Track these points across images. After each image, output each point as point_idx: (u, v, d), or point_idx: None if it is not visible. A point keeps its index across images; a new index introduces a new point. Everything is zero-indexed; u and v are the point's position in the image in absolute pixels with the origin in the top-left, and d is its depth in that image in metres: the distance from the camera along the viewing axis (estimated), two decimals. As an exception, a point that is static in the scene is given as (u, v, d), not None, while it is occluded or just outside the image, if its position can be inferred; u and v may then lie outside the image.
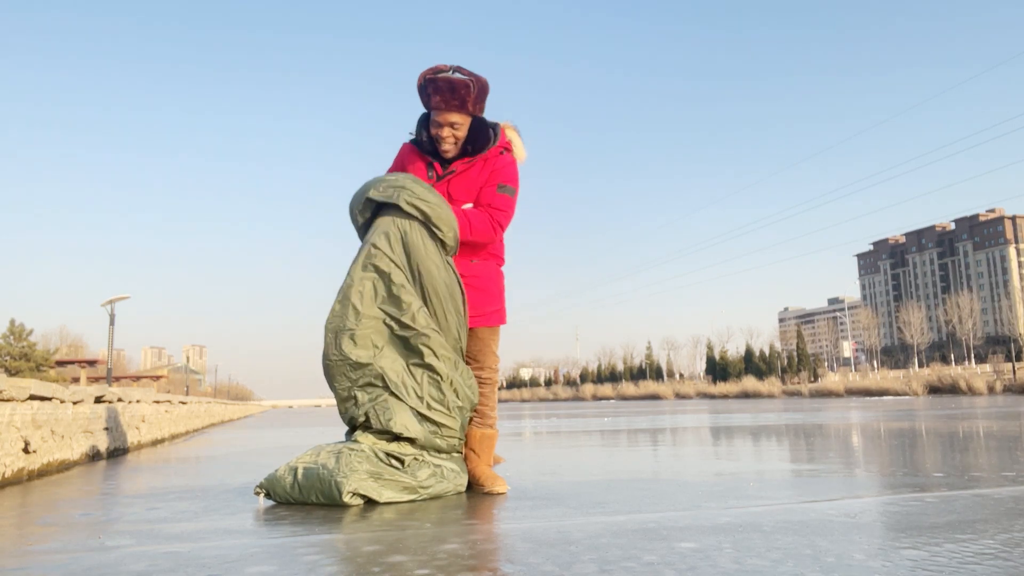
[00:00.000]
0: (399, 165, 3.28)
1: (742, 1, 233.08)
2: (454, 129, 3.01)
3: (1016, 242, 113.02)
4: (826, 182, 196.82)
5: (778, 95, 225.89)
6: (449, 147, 3.06)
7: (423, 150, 3.15)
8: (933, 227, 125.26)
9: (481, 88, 3.00)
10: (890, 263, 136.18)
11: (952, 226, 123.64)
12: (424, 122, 3.11)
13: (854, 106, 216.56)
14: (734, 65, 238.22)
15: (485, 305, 3.19)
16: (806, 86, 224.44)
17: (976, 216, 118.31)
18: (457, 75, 2.95)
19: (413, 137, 3.20)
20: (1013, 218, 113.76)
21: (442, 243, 3.02)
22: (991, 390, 47.30)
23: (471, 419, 3.15)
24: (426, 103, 3.03)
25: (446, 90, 2.93)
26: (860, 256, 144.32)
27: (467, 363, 3.17)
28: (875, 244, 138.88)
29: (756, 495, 2.77)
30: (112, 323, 23.70)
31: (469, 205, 3.13)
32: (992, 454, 4.48)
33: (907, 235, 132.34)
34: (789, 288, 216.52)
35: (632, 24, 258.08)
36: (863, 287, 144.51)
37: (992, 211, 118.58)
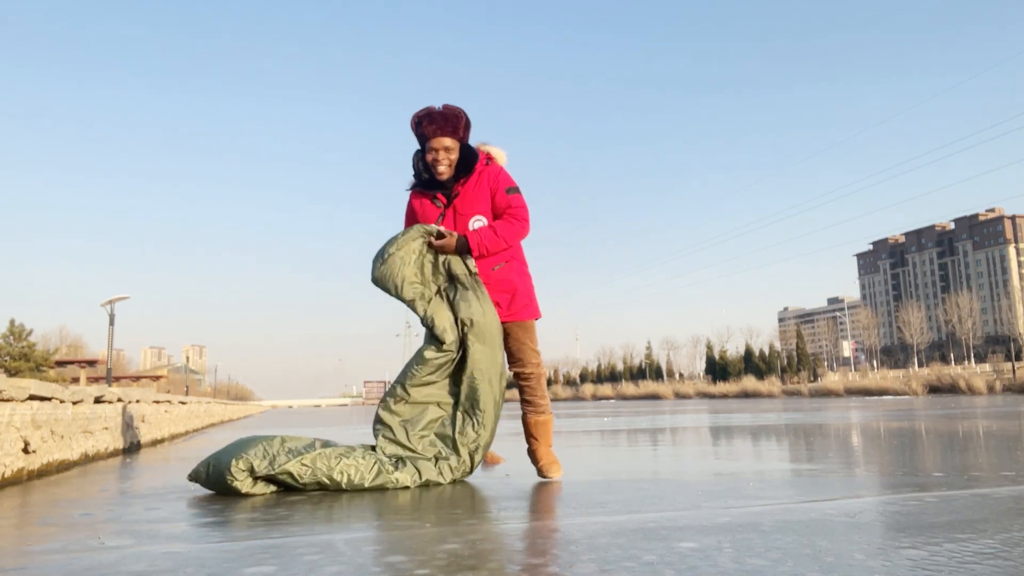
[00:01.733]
0: (411, 212, 3.65)
1: (742, 5, 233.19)
2: (448, 152, 3.40)
3: (1016, 242, 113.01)
4: (826, 182, 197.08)
5: (778, 96, 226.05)
6: (444, 169, 3.42)
7: (424, 187, 3.52)
8: (933, 227, 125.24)
9: (467, 118, 3.44)
10: (890, 263, 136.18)
11: (952, 226, 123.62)
12: (419, 156, 3.50)
13: (854, 107, 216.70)
14: (734, 67, 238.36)
15: (513, 304, 3.53)
16: (806, 87, 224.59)
17: (976, 216, 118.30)
18: (447, 106, 3.40)
19: (411, 184, 3.58)
20: (1013, 218, 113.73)
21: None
22: (991, 390, 47.29)
23: (527, 409, 3.59)
24: (421, 134, 3.42)
25: (440, 118, 3.37)
26: (860, 256, 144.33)
27: (511, 362, 3.59)
28: (875, 244, 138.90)
29: (756, 495, 2.77)
30: (112, 323, 23.70)
31: (479, 217, 3.46)
32: (991, 454, 4.48)
33: (907, 235, 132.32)
34: (789, 288, 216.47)
35: (634, 28, 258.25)
36: (863, 287, 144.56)
37: (992, 211, 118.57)
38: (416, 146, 3.52)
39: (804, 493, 2.81)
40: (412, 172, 3.56)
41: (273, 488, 3.15)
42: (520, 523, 2.29)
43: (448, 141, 3.38)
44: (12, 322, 34.32)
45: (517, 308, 3.52)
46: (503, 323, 3.49)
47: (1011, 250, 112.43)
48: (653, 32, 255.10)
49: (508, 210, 3.44)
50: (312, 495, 3.06)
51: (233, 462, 3.08)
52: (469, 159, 3.45)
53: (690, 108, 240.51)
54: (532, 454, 3.58)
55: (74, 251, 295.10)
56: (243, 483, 3.08)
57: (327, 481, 3.14)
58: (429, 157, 3.43)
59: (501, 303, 3.49)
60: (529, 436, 3.59)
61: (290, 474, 3.09)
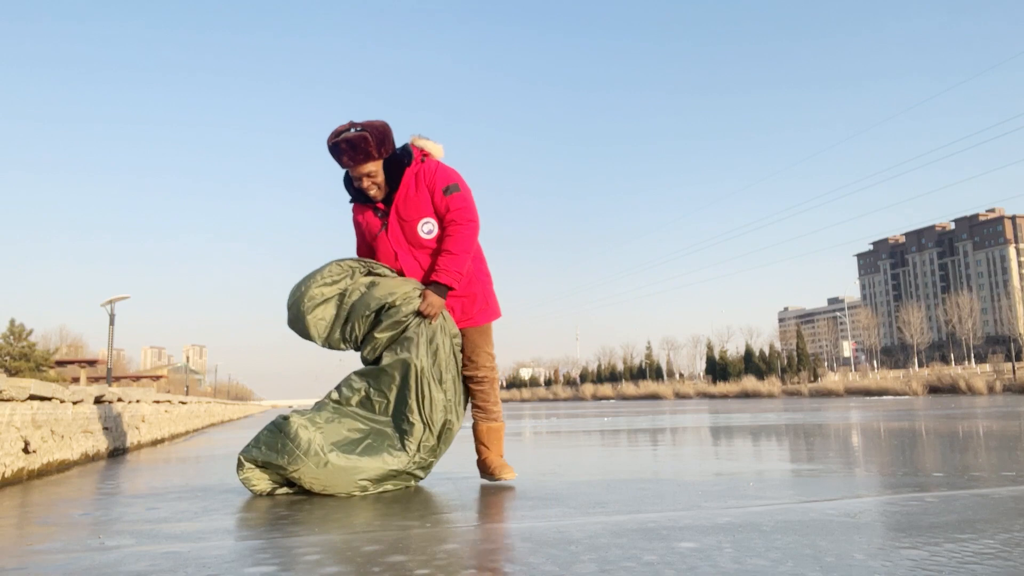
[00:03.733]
0: (358, 226, 3.50)
1: (741, 6, 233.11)
2: (372, 177, 3.24)
3: (1016, 242, 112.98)
4: (826, 182, 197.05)
5: (778, 95, 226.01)
6: (375, 193, 3.29)
7: (363, 201, 3.38)
8: (933, 227, 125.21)
9: (378, 134, 3.18)
10: (890, 263, 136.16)
11: (952, 226, 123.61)
12: (348, 179, 3.36)
13: (854, 107, 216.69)
14: (734, 65, 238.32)
15: (470, 308, 3.40)
16: (806, 86, 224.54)
17: (976, 216, 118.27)
18: (353, 131, 3.16)
19: (351, 199, 3.45)
20: (1013, 218, 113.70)
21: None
22: (991, 390, 47.28)
23: (477, 416, 3.42)
24: (340, 164, 3.26)
25: (349, 149, 3.15)
26: (860, 256, 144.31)
27: (464, 364, 3.40)
28: (875, 244, 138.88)
29: (756, 495, 2.77)
30: (112, 323, 23.69)
31: (427, 219, 3.28)
32: (992, 454, 4.48)
33: (907, 235, 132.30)
34: (789, 288, 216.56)
35: (634, 26, 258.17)
36: (863, 287, 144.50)
37: (992, 211, 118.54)
38: None
39: (804, 493, 2.81)
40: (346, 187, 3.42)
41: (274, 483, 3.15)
42: (520, 523, 2.29)
43: (367, 167, 3.20)
44: (12, 322, 34.29)
45: (474, 312, 3.38)
46: (460, 328, 3.36)
47: (1011, 250, 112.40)
48: (654, 34, 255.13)
49: (448, 215, 3.24)
50: (312, 496, 3.06)
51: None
52: (396, 170, 3.25)
53: (691, 108, 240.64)
54: (482, 463, 3.38)
55: (74, 251, 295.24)
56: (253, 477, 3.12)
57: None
58: (356, 184, 3.30)
59: (456, 308, 3.34)
60: (479, 444, 3.39)
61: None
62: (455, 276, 3.23)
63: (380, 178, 3.24)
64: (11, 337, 33.92)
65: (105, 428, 6.08)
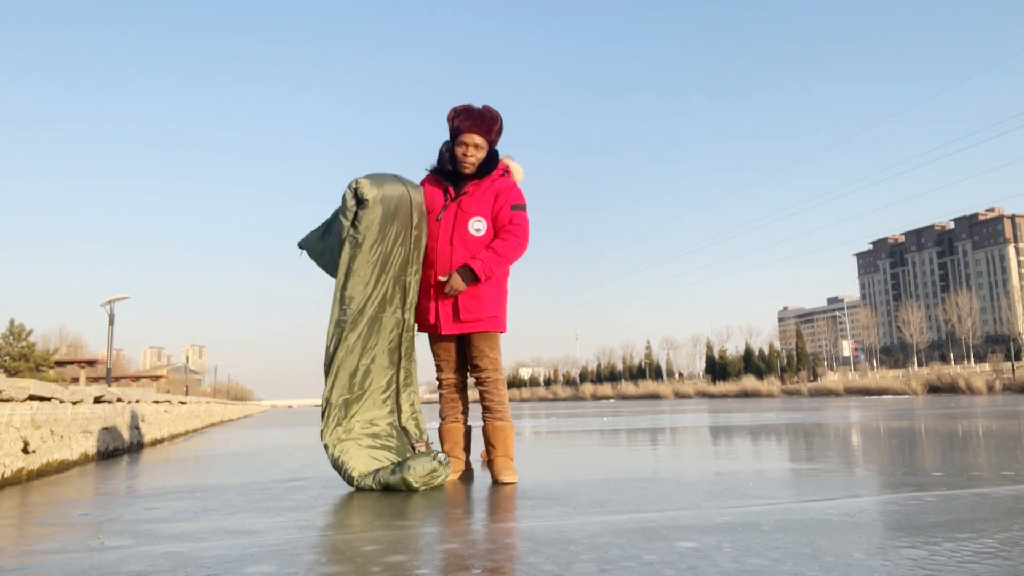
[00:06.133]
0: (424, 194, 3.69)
1: (741, 7, 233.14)
2: (477, 150, 3.46)
3: (1015, 241, 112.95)
4: (825, 182, 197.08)
5: (777, 95, 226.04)
6: (469, 165, 3.47)
7: (442, 176, 3.55)
8: (932, 226, 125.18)
9: (501, 122, 3.52)
10: (889, 262, 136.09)
11: (951, 225, 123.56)
12: (448, 147, 3.56)
13: (853, 105, 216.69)
14: (733, 65, 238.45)
15: (479, 309, 3.43)
16: (806, 87, 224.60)
17: (975, 215, 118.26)
18: (486, 107, 3.50)
19: (432, 167, 3.62)
20: (1012, 217, 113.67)
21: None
22: (990, 389, 47.32)
23: (484, 416, 3.52)
24: (456, 128, 3.47)
25: (476, 116, 3.45)
26: (859, 255, 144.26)
27: (469, 367, 3.58)
28: (874, 243, 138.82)
29: (755, 494, 2.77)
30: (112, 323, 23.68)
31: (479, 218, 3.46)
32: (991, 453, 4.49)
33: (906, 234, 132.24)
34: (789, 287, 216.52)
35: (631, 30, 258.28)
36: (862, 286, 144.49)
37: (991, 210, 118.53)
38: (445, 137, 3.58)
39: (804, 493, 2.81)
40: (436, 158, 3.58)
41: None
42: (519, 522, 2.29)
43: (479, 139, 3.44)
44: (12, 322, 34.26)
45: (484, 317, 3.44)
46: (466, 334, 3.47)
47: (1011, 250, 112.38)
48: (654, 38, 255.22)
49: (509, 225, 3.43)
50: (309, 496, 3.06)
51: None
52: (491, 162, 3.50)
53: (691, 110, 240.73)
54: (489, 463, 3.49)
55: (74, 251, 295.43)
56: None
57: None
58: (459, 151, 3.46)
59: (470, 307, 3.41)
60: (487, 444, 3.49)
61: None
62: (487, 271, 3.36)
63: (481, 155, 3.48)
64: (11, 337, 33.89)
65: (104, 428, 6.08)
